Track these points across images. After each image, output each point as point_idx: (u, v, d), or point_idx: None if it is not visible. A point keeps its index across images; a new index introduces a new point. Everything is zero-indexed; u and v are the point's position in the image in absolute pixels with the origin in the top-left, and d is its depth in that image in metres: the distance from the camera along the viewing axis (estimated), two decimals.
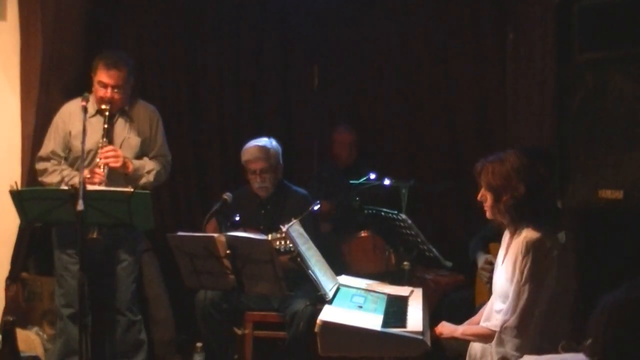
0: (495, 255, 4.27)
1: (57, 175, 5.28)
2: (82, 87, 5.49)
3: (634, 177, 3.92)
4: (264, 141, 5.66)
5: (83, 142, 4.72)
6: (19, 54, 5.85)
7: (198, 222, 5.32)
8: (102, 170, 5.08)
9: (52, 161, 5.34)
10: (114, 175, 5.21)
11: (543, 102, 5.40)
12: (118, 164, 5.16)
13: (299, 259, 4.33)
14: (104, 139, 5.19)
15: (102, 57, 5.34)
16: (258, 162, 5.57)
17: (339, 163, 6.94)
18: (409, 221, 4.89)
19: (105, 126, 5.21)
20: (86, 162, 5.10)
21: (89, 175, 4.87)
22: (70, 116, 5.29)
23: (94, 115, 5.33)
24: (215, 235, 4.70)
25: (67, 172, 5.27)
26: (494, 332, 3.77)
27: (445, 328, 4.04)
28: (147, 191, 4.82)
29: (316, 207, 5.26)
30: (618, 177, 3.99)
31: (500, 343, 3.76)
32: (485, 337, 3.86)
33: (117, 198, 4.59)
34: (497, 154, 3.95)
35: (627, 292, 2.39)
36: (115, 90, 5.27)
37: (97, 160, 5.14)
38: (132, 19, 6.72)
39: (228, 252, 4.61)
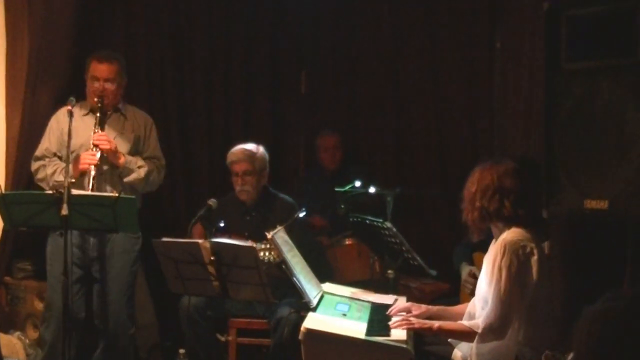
0: (479, 265, 4.27)
1: (50, 168, 5.29)
2: (70, 89, 5.47)
3: (620, 188, 3.91)
4: (251, 145, 5.65)
5: (68, 146, 4.74)
6: (5, 55, 5.81)
7: (183, 227, 5.30)
8: (94, 151, 5.10)
9: (46, 159, 5.34)
10: (107, 171, 5.26)
11: (530, 112, 5.40)
12: (108, 146, 5.16)
13: (283, 266, 4.32)
14: (98, 127, 5.20)
15: (94, 54, 5.40)
16: (241, 164, 5.55)
17: (324, 168, 6.93)
18: (394, 229, 4.88)
19: (98, 115, 5.24)
20: None
21: (73, 180, 4.84)
22: (65, 117, 5.28)
23: (87, 114, 5.38)
24: (200, 241, 4.70)
25: (60, 165, 5.25)
26: (475, 332, 3.76)
27: (419, 321, 3.99)
28: (132, 196, 4.82)
29: (301, 215, 5.25)
30: (604, 187, 3.98)
31: (481, 344, 3.75)
32: (465, 335, 3.84)
33: (102, 203, 4.59)
34: (491, 159, 3.99)
35: (607, 304, 2.38)
36: (108, 83, 5.30)
37: (90, 146, 5.15)
38: (121, 22, 6.69)
39: (213, 258, 4.60)
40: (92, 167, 5.04)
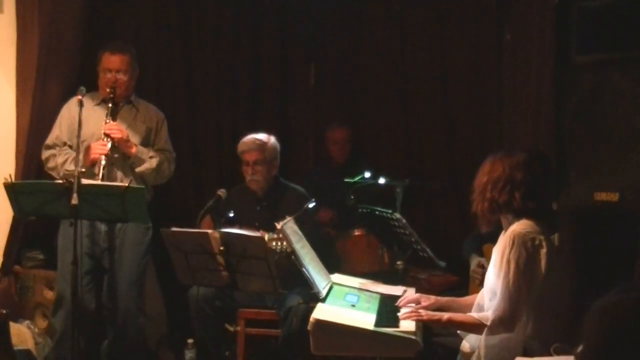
0: (489, 257, 4.26)
1: (61, 157, 5.31)
2: (79, 80, 5.49)
3: (630, 180, 3.92)
4: (262, 135, 5.65)
5: (78, 135, 4.74)
6: (16, 46, 5.82)
7: (193, 218, 5.31)
8: (105, 140, 5.12)
9: (57, 148, 5.36)
10: (118, 159, 5.30)
11: (540, 104, 5.38)
12: (120, 135, 5.19)
13: (293, 257, 4.32)
14: (109, 117, 5.22)
15: (106, 46, 5.43)
16: (252, 153, 5.54)
17: (334, 161, 6.93)
18: (404, 220, 4.87)
19: (110, 105, 5.26)
20: None
21: (83, 169, 4.84)
22: (76, 106, 5.28)
23: (99, 104, 5.40)
24: (209, 231, 4.71)
25: (71, 154, 5.27)
26: (484, 324, 3.76)
27: (428, 313, 3.99)
28: (141, 186, 4.83)
29: (311, 205, 5.25)
30: (614, 179, 3.99)
31: (490, 336, 3.75)
32: (474, 327, 3.83)
33: (111, 193, 4.60)
34: (503, 150, 3.98)
35: (617, 296, 2.37)
36: (120, 75, 5.33)
37: (102, 135, 5.17)
38: (130, 14, 6.70)
39: (222, 248, 4.61)
40: (103, 157, 5.06)
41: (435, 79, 7.03)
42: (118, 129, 5.20)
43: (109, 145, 5.12)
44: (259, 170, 5.53)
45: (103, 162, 5.04)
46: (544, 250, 3.75)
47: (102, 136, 5.14)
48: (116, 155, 5.25)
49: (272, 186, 5.63)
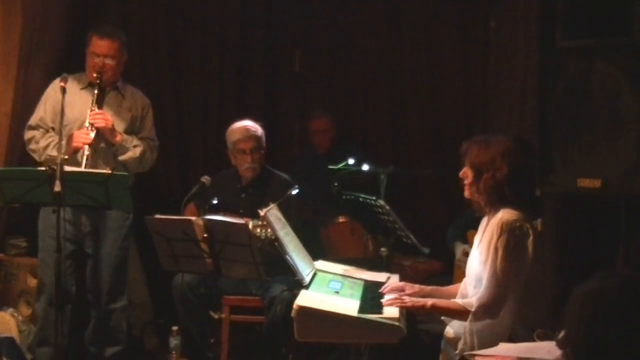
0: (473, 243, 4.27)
1: (43, 141, 5.26)
2: (63, 65, 5.46)
3: (613, 167, 3.92)
4: (251, 122, 5.61)
5: (61, 122, 4.74)
6: None
7: (177, 205, 5.29)
8: (89, 130, 5.08)
9: (40, 130, 5.31)
10: (104, 155, 5.26)
11: (525, 90, 5.40)
12: (104, 124, 5.15)
13: (276, 244, 4.32)
14: (94, 105, 5.18)
15: (96, 28, 5.37)
16: (249, 142, 5.50)
17: (318, 149, 6.92)
18: (387, 207, 4.88)
19: (96, 92, 5.22)
20: (74, 131, 5.16)
21: (66, 156, 4.81)
22: (60, 92, 5.27)
23: (85, 88, 5.35)
24: (193, 218, 4.70)
25: (54, 139, 5.21)
26: (468, 310, 3.77)
27: (412, 300, 3.99)
28: (125, 173, 4.82)
29: (294, 192, 5.24)
30: (597, 165, 3.99)
31: (475, 322, 3.76)
32: (458, 313, 3.84)
33: (95, 180, 4.58)
34: (484, 135, 3.98)
35: (598, 282, 2.37)
36: (108, 60, 5.27)
37: (86, 124, 5.12)
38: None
39: (205, 235, 4.60)
40: (86, 146, 5.03)
41: (422, 66, 7.04)
42: (103, 118, 5.15)
43: (93, 134, 5.08)
44: (257, 158, 5.51)
45: (87, 152, 5.00)
46: (530, 239, 3.77)
47: (87, 124, 5.10)
48: (101, 145, 5.22)
49: (258, 173, 5.62)
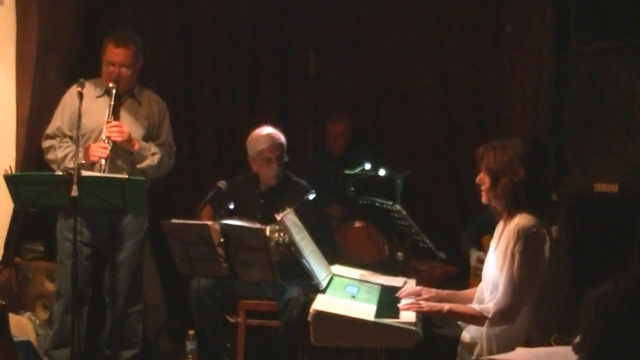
0: (488, 249, 4.27)
1: (61, 151, 5.27)
2: (79, 71, 5.47)
3: (630, 170, 3.92)
4: (271, 129, 5.56)
5: (78, 127, 4.75)
6: (15, 34, 5.80)
7: (192, 209, 5.30)
8: (106, 143, 5.09)
9: (57, 139, 5.33)
10: (122, 155, 5.27)
11: (539, 93, 5.39)
12: (120, 138, 5.15)
13: (293, 248, 4.32)
14: (111, 116, 5.18)
15: (111, 36, 5.35)
16: (275, 150, 5.45)
17: (334, 152, 6.93)
18: (404, 212, 4.87)
19: (112, 102, 5.21)
20: (91, 141, 5.19)
21: (83, 161, 4.83)
22: (77, 98, 5.28)
23: (101, 96, 5.35)
24: (209, 222, 4.71)
25: (72, 149, 5.22)
26: (485, 316, 3.76)
27: (429, 305, 3.99)
28: (142, 178, 4.84)
29: (311, 197, 5.24)
30: (614, 169, 3.99)
31: (492, 328, 3.76)
32: (475, 318, 3.84)
33: (111, 184, 4.60)
34: (500, 140, 3.97)
35: (611, 286, 2.37)
36: (124, 68, 5.28)
37: (102, 137, 5.13)
38: (129, 3, 6.68)
39: (222, 240, 4.61)
40: (103, 160, 5.05)
41: (435, 68, 7.04)
42: (118, 131, 5.15)
43: (110, 147, 5.09)
44: (281, 165, 5.50)
45: (104, 165, 5.01)
46: (547, 244, 3.76)
47: (103, 137, 5.11)
48: (118, 151, 5.23)
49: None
